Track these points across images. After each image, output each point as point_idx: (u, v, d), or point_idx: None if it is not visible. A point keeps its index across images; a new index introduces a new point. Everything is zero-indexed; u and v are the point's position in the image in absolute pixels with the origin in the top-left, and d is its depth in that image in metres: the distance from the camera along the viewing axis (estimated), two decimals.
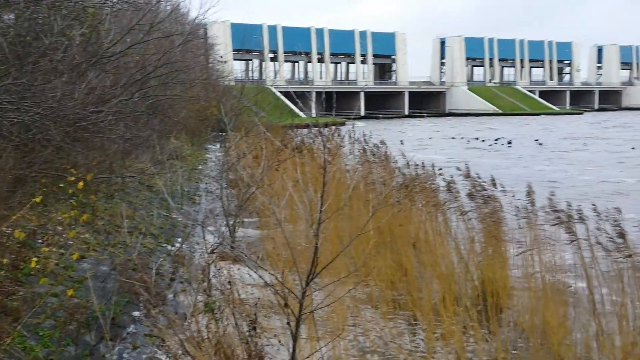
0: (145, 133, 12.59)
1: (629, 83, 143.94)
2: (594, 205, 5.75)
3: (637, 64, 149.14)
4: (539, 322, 5.29)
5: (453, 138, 46.38)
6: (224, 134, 18.90)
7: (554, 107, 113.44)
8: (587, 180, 20.96)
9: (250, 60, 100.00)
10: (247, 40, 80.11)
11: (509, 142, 39.91)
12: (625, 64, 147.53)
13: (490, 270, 6.53)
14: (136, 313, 6.00)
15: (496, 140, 42.03)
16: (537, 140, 41.71)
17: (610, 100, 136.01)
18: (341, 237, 7.63)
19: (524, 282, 6.05)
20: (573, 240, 5.36)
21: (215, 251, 5.88)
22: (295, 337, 3.47)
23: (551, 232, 5.92)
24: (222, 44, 63.85)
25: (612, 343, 4.39)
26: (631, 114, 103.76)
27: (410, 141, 43.19)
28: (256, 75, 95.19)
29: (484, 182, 7.70)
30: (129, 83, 9.83)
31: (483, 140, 42.31)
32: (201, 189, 15.53)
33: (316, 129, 18.58)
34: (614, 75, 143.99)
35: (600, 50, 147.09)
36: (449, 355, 4.87)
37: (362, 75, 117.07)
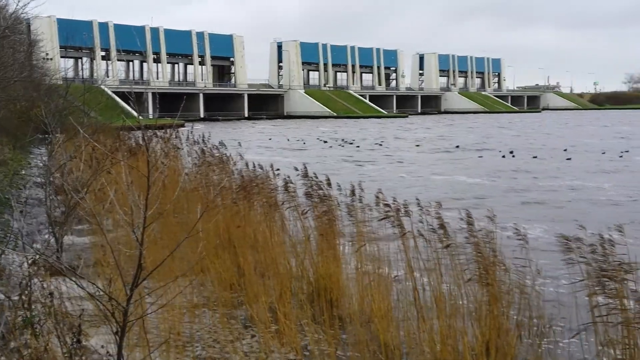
0: None
1: (447, 89, 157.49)
2: (417, 199, 6.22)
3: (454, 71, 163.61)
4: (367, 312, 5.60)
5: (305, 140, 47.52)
6: (48, 136, 17.55)
7: (382, 111, 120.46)
8: (408, 178, 22.59)
9: (80, 58, 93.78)
10: (74, 37, 74.92)
11: (351, 142, 42.99)
12: (443, 72, 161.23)
13: (325, 266, 6.76)
14: None
15: (343, 140, 44.98)
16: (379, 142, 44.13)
17: (431, 104, 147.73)
18: (179, 240, 7.45)
19: (355, 276, 6.35)
20: (402, 234, 5.70)
21: (36, 262, 5.43)
22: (120, 346, 3.32)
23: (378, 226, 6.26)
24: (48, 41, 59.15)
25: (432, 328, 4.75)
26: (449, 116, 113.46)
27: (249, 142, 43.58)
28: (87, 74, 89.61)
29: (321, 181, 7.96)
30: None
31: (325, 141, 44.53)
32: (24, 196, 14.30)
33: (152, 131, 17.99)
34: (433, 82, 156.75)
35: (421, 58, 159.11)
36: (286, 354, 4.97)
37: (201, 77, 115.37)
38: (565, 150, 33.53)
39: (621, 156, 29.70)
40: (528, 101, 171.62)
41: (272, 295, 5.86)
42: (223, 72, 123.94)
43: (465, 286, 5.05)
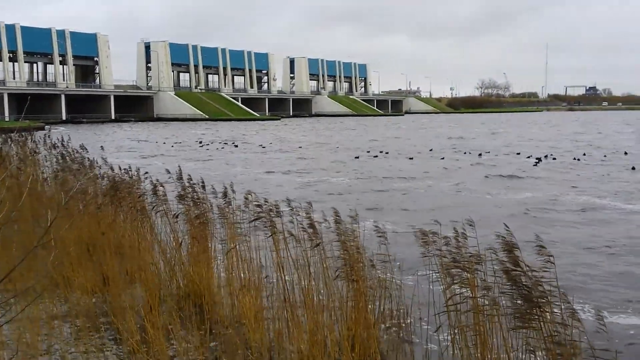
0: None
1: (317, 92, 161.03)
2: (288, 199, 6.32)
3: (323, 75, 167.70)
4: (238, 314, 5.60)
5: (177, 142, 46.40)
6: None
7: (255, 114, 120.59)
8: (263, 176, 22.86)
9: None
10: None
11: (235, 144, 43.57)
12: (313, 75, 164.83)
13: (197, 271, 6.66)
14: None
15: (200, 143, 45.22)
16: (234, 144, 44.25)
17: (302, 107, 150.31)
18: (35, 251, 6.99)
19: (226, 278, 6.32)
20: (272, 234, 5.75)
21: None
22: None
23: (251, 228, 6.28)
24: None
25: (301, 326, 4.85)
26: (321, 119, 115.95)
27: (115, 146, 41.81)
28: None
29: (195, 184, 7.82)
30: None
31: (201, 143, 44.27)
32: None
33: (6, 134, 16.70)
34: (304, 85, 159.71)
35: (292, 62, 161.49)
36: None
37: (63, 77, 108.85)
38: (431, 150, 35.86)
39: (480, 155, 32.25)
40: (392, 105, 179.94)
41: (139, 303, 5.68)
42: (87, 72, 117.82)
43: (333, 283, 5.21)
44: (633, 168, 24.57)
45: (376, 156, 32.92)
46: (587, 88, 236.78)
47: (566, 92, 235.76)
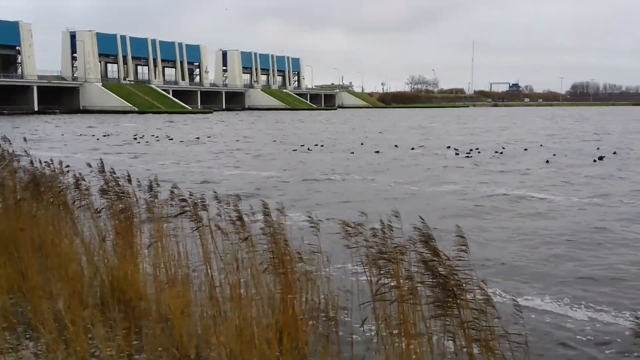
0: None
1: (250, 86, 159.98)
2: (215, 192, 6.23)
3: (256, 69, 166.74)
4: (165, 310, 5.50)
5: (99, 137, 44.97)
6: None
7: (187, 106, 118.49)
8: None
9: None
10: None
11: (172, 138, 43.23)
12: (246, 69, 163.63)
13: (122, 266, 6.49)
14: None
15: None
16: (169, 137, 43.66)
17: (235, 101, 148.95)
18: None
19: (152, 274, 6.19)
20: (197, 227, 5.66)
21: None
22: None
23: (178, 221, 6.16)
24: None
25: (228, 320, 4.81)
26: (255, 113, 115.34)
27: (36, 138, 40.12)
28: None
29: (118, 178, 7.59)
30: None
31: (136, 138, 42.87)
32: None
33: None
34: (237, 78, 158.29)
35: (225, 54, 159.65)
36: None
37: None
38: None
39: (412, 148, 32.97)
40: (325, 99, 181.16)
41: (60, 300, 5.47)
42: (8, 61, 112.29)
43: (261, 276, 5.19)
44: (547, 161, 25.88)
45: (310, 149, 33.10)
46: (510, 85, 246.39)
47: (491, 89, 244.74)
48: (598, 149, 32.36)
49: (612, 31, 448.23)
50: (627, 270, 9.18)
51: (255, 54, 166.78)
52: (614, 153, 29.36)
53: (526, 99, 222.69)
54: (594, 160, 26.15)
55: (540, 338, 6.42)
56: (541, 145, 34.26)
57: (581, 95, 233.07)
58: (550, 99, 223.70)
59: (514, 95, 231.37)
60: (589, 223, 12.83)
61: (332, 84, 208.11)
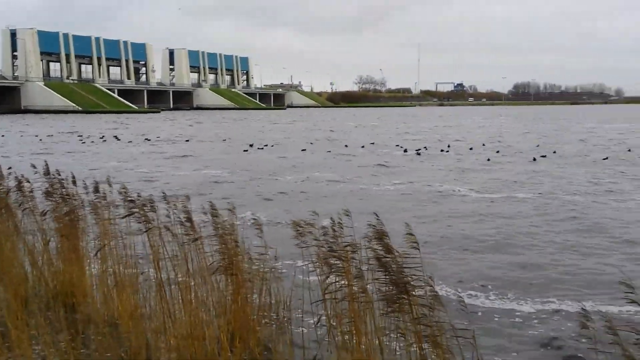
0: None
1: (199, 85, 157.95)
2: (164, 193, 6.14)
3: (204, 68, 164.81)
4: (112, 314, 5.39)
5: (38, 136, 43.64)
6: None
7: (133, 106, 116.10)
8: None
9: None
10: None
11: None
12: (194, 68, 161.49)
13: (67, 270, 6.33)
14: None
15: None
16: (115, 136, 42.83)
17: (183, 100, 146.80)
18: None
19: (99, 277, 6.06)
20: (147, 229, 5.56)
21: None
22: None
23: (126, 223, 6.05)
24: None
25: (178, 323, 4.75)
26: (203, 112, 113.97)
27: None
28: None
29: (63, 179, 7.39)
30: None
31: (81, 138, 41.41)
32: None
33: None
34: (185, 77, 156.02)
35: (172, 53, 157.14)
36: None
37: None
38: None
39: (363, 146, 33.21)
40: (274, 99, 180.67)
41: (3, 305, 5.29)
42: None
43: (212, 278, 5.15)
44: (488, 159, 26.59)
45: (261, 149, 33.02)
46: (455, 85, 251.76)
47: (437, 88, 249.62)
48: (538, 145, 33.69)
49: (554, 31, 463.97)
50: (573, 263, 9.52)
51: (203, 52, 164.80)
52: (548, 154, 30.39)
53: (470, 99, 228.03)
54: (534, 159, 26.99)
55: (487, 334, 6.57)
56: (483, 145, 35.13)
57: (523, 95, 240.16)
58: (493, 98, 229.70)
59: (459, 95, 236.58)
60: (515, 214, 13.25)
61: (282, 83, 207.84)
